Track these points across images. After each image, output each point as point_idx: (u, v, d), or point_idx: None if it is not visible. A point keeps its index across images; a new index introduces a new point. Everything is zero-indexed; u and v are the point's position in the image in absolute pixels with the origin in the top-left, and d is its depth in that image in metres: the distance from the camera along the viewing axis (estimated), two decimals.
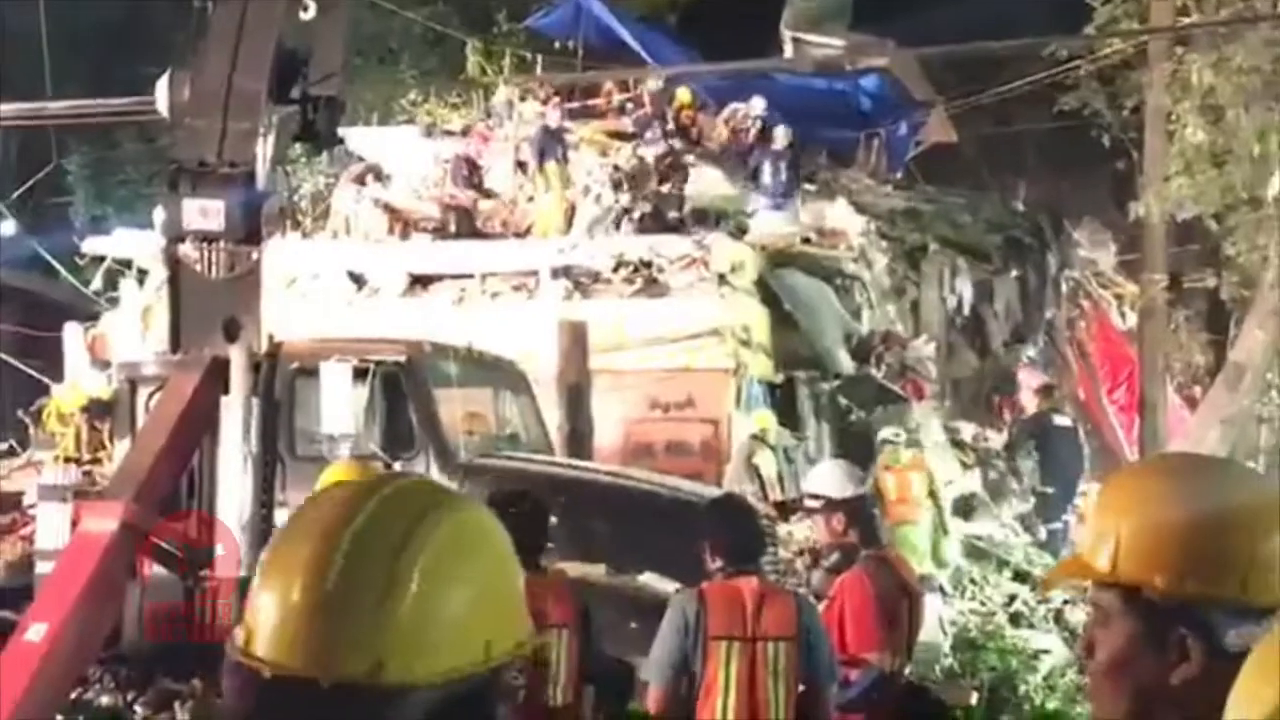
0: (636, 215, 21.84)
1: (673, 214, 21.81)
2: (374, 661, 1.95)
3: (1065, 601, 17.69)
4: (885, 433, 18.05)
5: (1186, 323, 29.65)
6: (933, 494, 17.59)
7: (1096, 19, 22.18)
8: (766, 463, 16.81)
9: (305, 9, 11.62)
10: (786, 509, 15.87)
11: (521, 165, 23.88)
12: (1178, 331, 28.71)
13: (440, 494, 2.15)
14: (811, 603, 6.89)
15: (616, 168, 23.04)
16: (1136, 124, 23.90)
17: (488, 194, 23.52)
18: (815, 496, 7.27)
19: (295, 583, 1.99)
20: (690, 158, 23.88)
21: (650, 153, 23.47)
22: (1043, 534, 20.11)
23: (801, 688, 6.41)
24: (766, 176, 22.72)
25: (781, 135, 23.42)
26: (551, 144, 22.80)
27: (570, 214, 22.00)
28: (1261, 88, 19.45)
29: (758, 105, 25.36)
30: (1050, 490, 20.69)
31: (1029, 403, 22.62)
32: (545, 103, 24.84)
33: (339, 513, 2.03)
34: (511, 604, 2.11)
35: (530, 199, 23.19)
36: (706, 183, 23.23)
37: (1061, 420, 21.33)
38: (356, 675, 1.94)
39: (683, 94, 26.09)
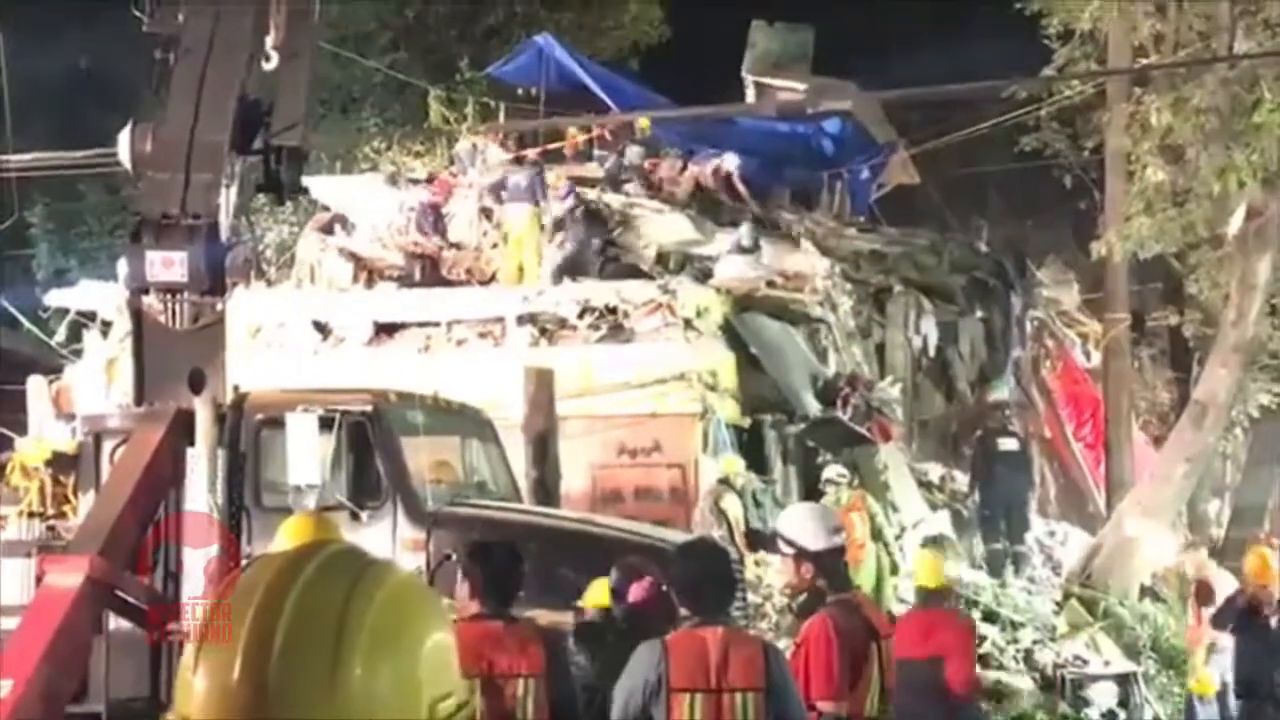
0: (600, 262, 21.90)
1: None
2: None
3: (1035, 642, 17.73)
4: (829, 473, 18.13)
5: (1150, 361, 29.80)
6: (877, 534, 17.66)
7: (1055, 60, 22.36)
8: (733, 506, 16.81)
9: (267, 59, 11.63)
10: (757, 545, 15.89)
11: (486, 212, 23.88)
12: (1142, 369, 28.85)
13: (365, 563, 2.11)
14: (779, 651, 6.83)
15: (586, 212, 23.05)
16: (1097, 164, 24.10)
17: (453, 242, 23.51)
18: (789, 542, 7.19)
19: (233, 667, 1.96)
20: (654, 203, 23.93)
21: (615, 200, 23.55)
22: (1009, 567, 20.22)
23: None
24: (737, 220, 22.90)
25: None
26: (521, 190, 22.76)
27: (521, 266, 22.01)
28: (1220, 127, 19.59)
29: (731, 161, 25.49)
30: (988, 513, 20.82)
31: None
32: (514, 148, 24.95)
33: (270, 594, 2.01)
34: (449, 663, 2.10)
35: (494, 245, 23.21)
36: (671, 228, 23.27)
37: (1006, 444, 21.41)
38: None
39: (644, 122, 26.21)
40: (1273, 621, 12.68)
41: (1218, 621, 13.87)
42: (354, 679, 1.96)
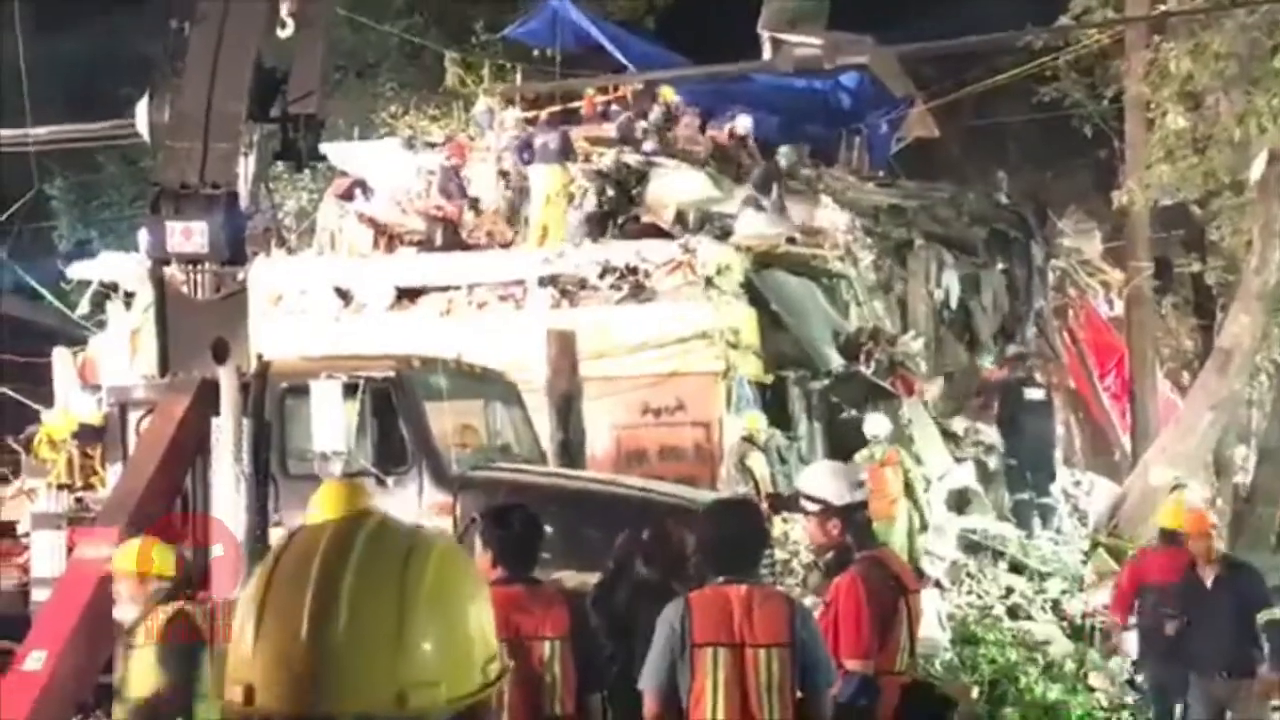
0: (621, 220, 21.90)
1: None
2: (396, 693, 2.04)
3: (1063, 592, 17.74)
4: (870, 426, 18.12)
5: (1174, 309, 29.70)
6: (909, 490, 17.64)
7: (1073, 9, 22.23)
8: (759, 464, 16.81)
9: (283, 27, 11.63)
10: (781, 503, 15.89)
11: (504, 175, 23.86)
12: (1165, 318, 28.76)
13: (413, 531, 2.22)
14: (806, 607, 6.83)
15: (600, 173, 23.04)
16: (1116, 113, 23.98)
17: (474, 204, 23.49)
18: (812, 499, 7.18)
19: (300, 632, 2.05)
20: (673, 161, 23.88)
21: (633, 159, 23.50)
22: (1035, 518, 20.23)
23: (799, 694, 6.33)
24: (756, 178, 22.81)
25: (785, 154, 23.61)
26: (550, 151, 22.72)
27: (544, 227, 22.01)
28: (1239, 73, 19.48)
29: (744, 123, 25.41)
30: (1013, 463, 20.85)
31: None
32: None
33: (329, 563, 2.08)
34: (491, 626, 2.21)
35: (516, 208, 23.20)
36: (690, 186, 23.22)
37: (1033, 393, 21.45)
38: (383, 708, 2.04)
39: (666, 91, 26.13)
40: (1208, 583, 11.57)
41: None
42: (418, 641, 2.07)
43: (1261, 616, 11.30)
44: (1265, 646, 11.25)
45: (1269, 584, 12.07)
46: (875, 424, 18.20)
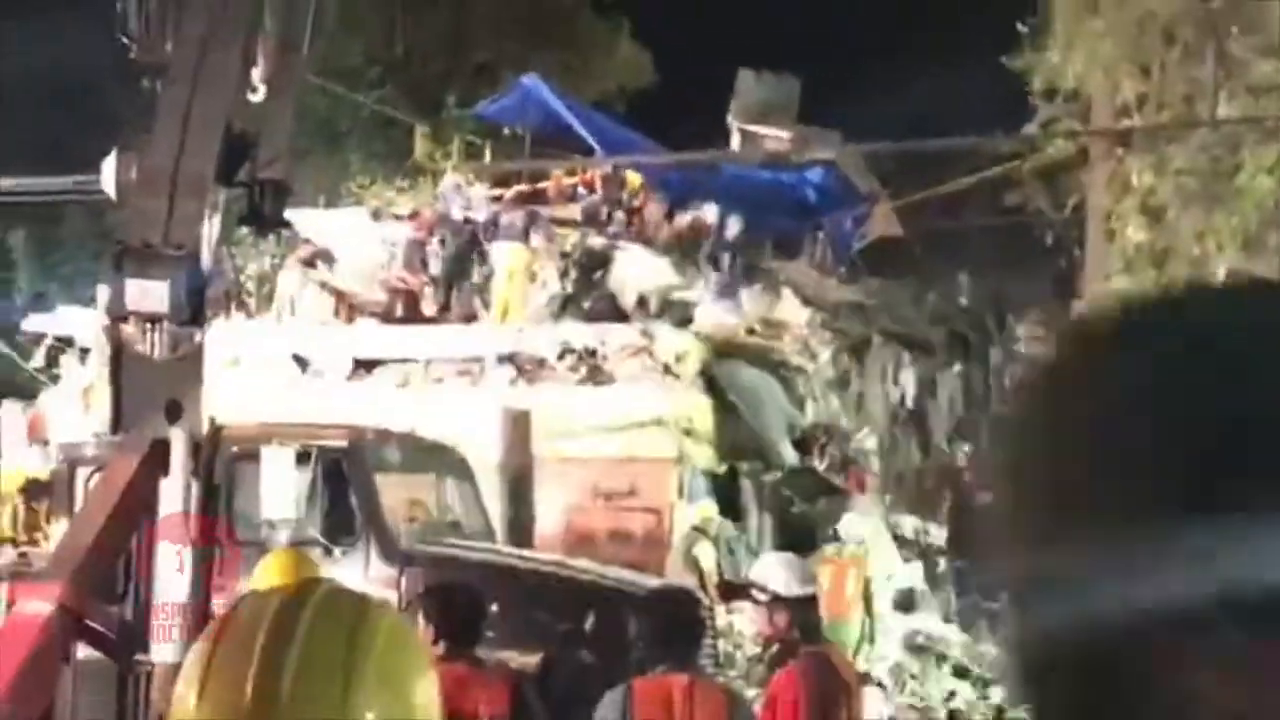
0: (585, 304, 21.93)
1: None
2: None
3: (1006, 699, 17.69)
4: (842, 529, 18.07)
5: None
6: (866, 596, 17.62)
7: (1039, 117, 22.47)
8: (706, 556, 16.76)
9: (254, 91, 11.63)
10: (731, 591, 15.84)
11: (472, 249, 23.83)
12: None
13: (363, 602, 2.19)
14: (746, 701, 6.80)
15: (564, 254, 23.09)
16: (1078, 222, 24.20)
17: (435, 278, 23.48)
18: (762, 589, 7.17)
19: (241, 704, 2.01)
20: (637, 246, 23.94)
21: (598, 242, 23.56)
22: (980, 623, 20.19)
23: None
24: (720, 266, 22.81)
25: (734, 224, 23.56)
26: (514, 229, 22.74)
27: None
28: (1200, 190, 19.71)
29: (710, 212, 25.48)
30: (961, 564, 20.87)
31: None
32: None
33: (276, 631, 2.05)
34: (436, 703, 2.17)
35: (479, 283, 23.19)
36: (652, 272, 23.27)
37: (984, 497, 21.50)
38: None
39: (633, 176, 26.23)
40: None
41: None
42: (362, 714, 2.02)
43: None
44: None
45: None
46: (850, 525, 18.21)
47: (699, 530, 17.00)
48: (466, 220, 24.06)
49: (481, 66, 34.89)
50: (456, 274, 22.88)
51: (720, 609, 15.52)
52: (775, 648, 7.30)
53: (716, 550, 17.13)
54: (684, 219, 25.83)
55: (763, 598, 7.13)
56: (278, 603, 2.11)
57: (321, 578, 2.39)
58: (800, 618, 7.07)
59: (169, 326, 10.66)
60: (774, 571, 7.26)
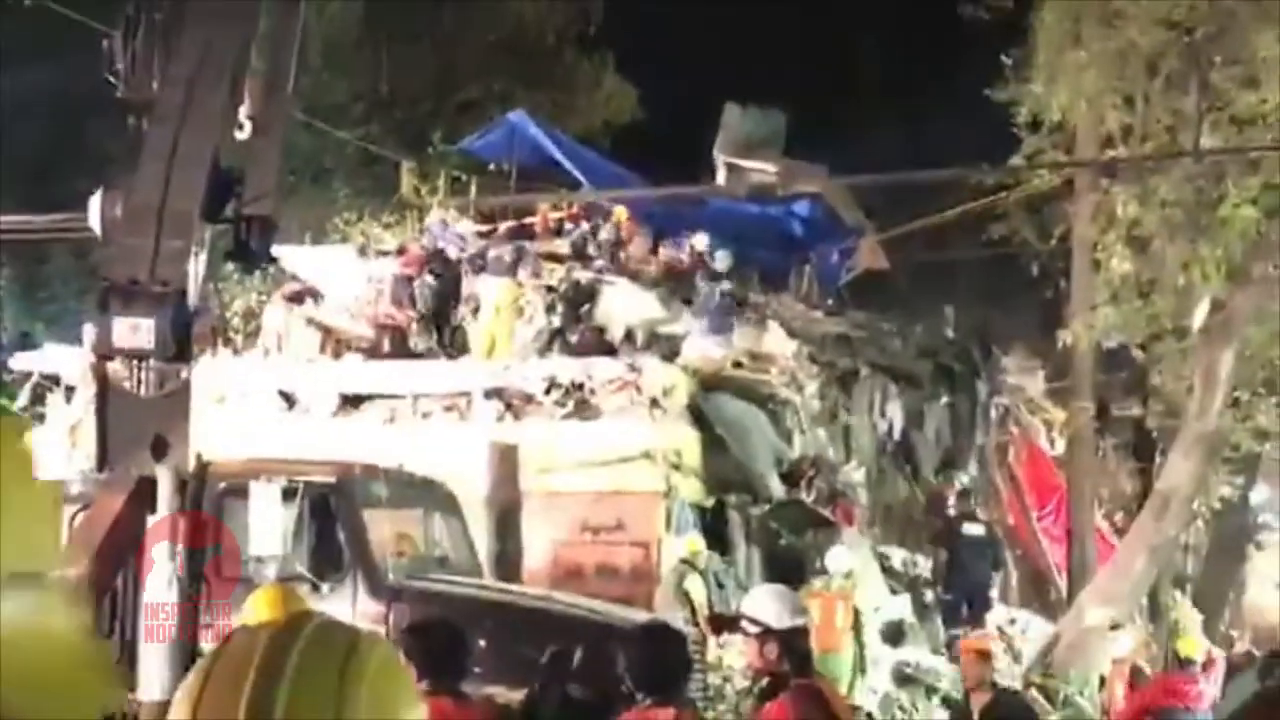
0: (572, 338, 21.93)
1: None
2: None
3: None
4: (829, 562, 18.09)
5: (1114, 450, 29.86)
6: (856, 628, 17.63)
7: (1024, 149, 22.52)
8: (696, 589, 16.75)
9: (240, 128, 11.63)
10: (722, 624, 15.80)
11: (458, 284, 23.84)
12: (1105, 459, 28.91)
13: (354, 635, 2.19)
14: None
15: (551, 288, 23.11)
16: (1064, 253, 24.24)
17: (422, 314, 23.48)
18: (753, 620, 7.16)
19: None
20: (623, 280, 23.96)
21: (584, 276, 23.57)
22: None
23: None
24: (707, 299, 22.80)
25: (722, 259, 23.57)
26: (502, 264, 22.78)
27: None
28: (1185, 220, 19.76)
29: (701, 241, 25.48)
30: (950, 598, 20.90)
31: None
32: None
33: (268, 665, 2.04)
34: None
35: (465, 318, 23.20)
36: (639, 306, 23.29)
37: (971, 529, 21.55)
38: None
39: (619, 210, 26.26)
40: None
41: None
42: None
43: None
44: None
45: None
46: (837, 558, 18.22)
47: (688, 563, 16.98)
48: (451, 256, 24.09)
49: (467, 104, 34.96)
50: (442, 309, 22.89)
51: (711, 642, 15.51)
52: (765, 680, 7.27)
53: (706, 583, 17.12)
54: (673, 251, 25.87)
55: (753, 630, 7.12)
56: (268, 636, 2.10)
57: (312, 611, 2.36)
58: (791, 650, 7.06)
59: (155, 363, 10.63)
60: (765, 603, 7.24)
